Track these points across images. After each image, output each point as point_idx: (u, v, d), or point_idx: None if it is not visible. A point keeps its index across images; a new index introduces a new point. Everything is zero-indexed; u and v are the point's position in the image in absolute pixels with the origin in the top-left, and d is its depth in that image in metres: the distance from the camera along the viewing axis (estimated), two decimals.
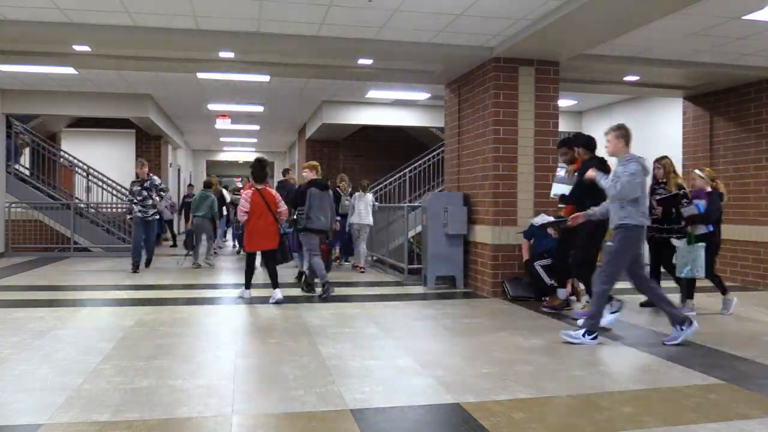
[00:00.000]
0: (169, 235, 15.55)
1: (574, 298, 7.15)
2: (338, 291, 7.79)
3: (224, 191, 14.90)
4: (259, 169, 7.38)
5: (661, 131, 11.85)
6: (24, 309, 6.59)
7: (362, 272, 10.26)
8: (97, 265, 10.71)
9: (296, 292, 7.86)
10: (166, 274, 9.64)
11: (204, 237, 10.90)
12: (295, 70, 9.13)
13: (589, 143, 6.37)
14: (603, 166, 6.05)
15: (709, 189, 6.53)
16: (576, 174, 6.28)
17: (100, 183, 14.33)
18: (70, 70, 9.79)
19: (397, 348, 5.09)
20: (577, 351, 5.10)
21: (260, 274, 8.08)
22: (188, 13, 6.57)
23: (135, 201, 9.77)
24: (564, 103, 12.66)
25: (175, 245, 15.02)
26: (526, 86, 7.78)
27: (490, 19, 6.64)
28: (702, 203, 6.43)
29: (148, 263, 10.14)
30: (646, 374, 4.43)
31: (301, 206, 7.61)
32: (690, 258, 6.47)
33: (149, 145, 16.41)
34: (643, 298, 6.84)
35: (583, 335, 5.22)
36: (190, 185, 17.39)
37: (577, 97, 12.53)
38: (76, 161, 14.31)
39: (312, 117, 15.42)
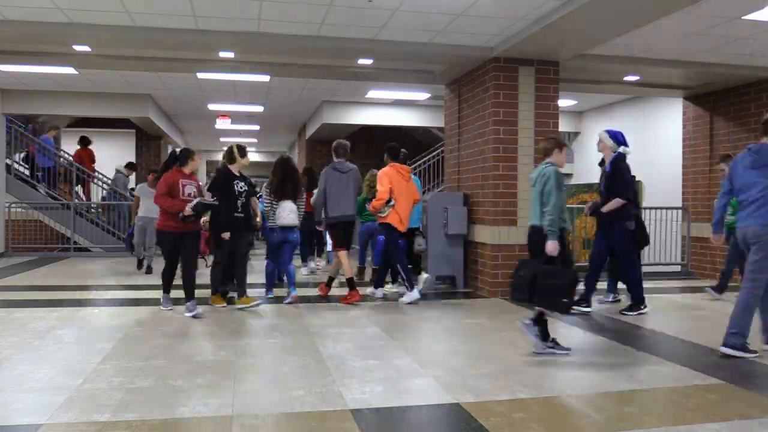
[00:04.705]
0: None
1: None
2: (338, 291, 7.79)
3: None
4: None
5: (661, 131, 11.86)
6: (24, 309, 6.59)
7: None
8: (97, 265, 10.71)
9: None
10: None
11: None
12: (295, 70, 9.13)
13: None
14: None
15: None
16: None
17: (100, 183, 14.34)
18: (70, 70, 9.78)
19: (397, 348, 5.09)
20: (576, 351, 5.10)
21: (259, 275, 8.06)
22: (188, 13, 6.57)
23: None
24: (564, 103, 12.66)
25: None
26: (526, 86, 7.78)
27: (490, 19, 6.64)
28: None
29: None
30: (646, 374, 4.43)
31: None
32: None
33: (149, 145, 16.41)
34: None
35: None
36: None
37: (577, 97, 12.53)
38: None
39: (312, 117, 15.42)
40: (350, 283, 7.18)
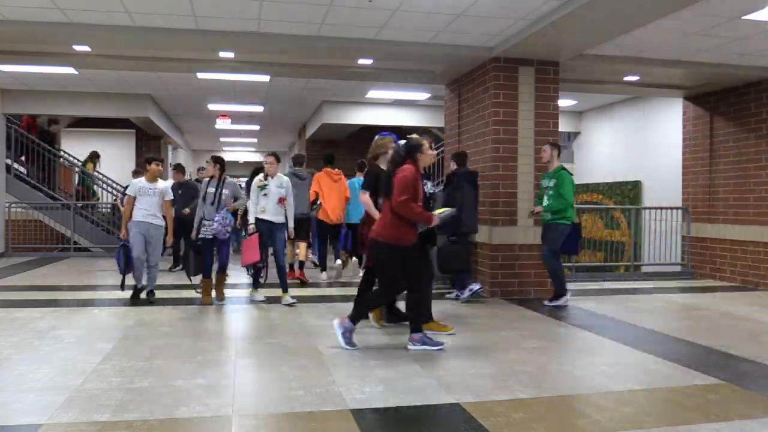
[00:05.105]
0: None
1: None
2: (338, 291, 7.80)
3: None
4: None
5: (661, 131, 11.86)
6: (24, 309, 6.59)
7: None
8: (97, 265, 10.71)
9: (297, 291, 7.84)
10: (166, 275, 9.63)
11: None
12: (295, 70, 9.13)
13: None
14: None
15: None
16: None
17: (100, 183, 14.35)
18: (70, 70, 9.78)
19: (397, 348, 5.09)
20: (576, 351, 5.10)
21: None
22: (188, 13, 6.57)
23: None
24: (564, 103, 12.65)
25: None
26: (526, 86, 7.78)
27: (490, 19, 6.64)
28: None
29: None
30: (646, 374, 4.43)
31: None
32: None
33: (149, 145, 16.39)
34: None
35: None
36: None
37: (577, 97, 12.52)
38: (76, 161, 14.32)
39: (312, 117, 15.42)
40: (301, 264, 8.72)
